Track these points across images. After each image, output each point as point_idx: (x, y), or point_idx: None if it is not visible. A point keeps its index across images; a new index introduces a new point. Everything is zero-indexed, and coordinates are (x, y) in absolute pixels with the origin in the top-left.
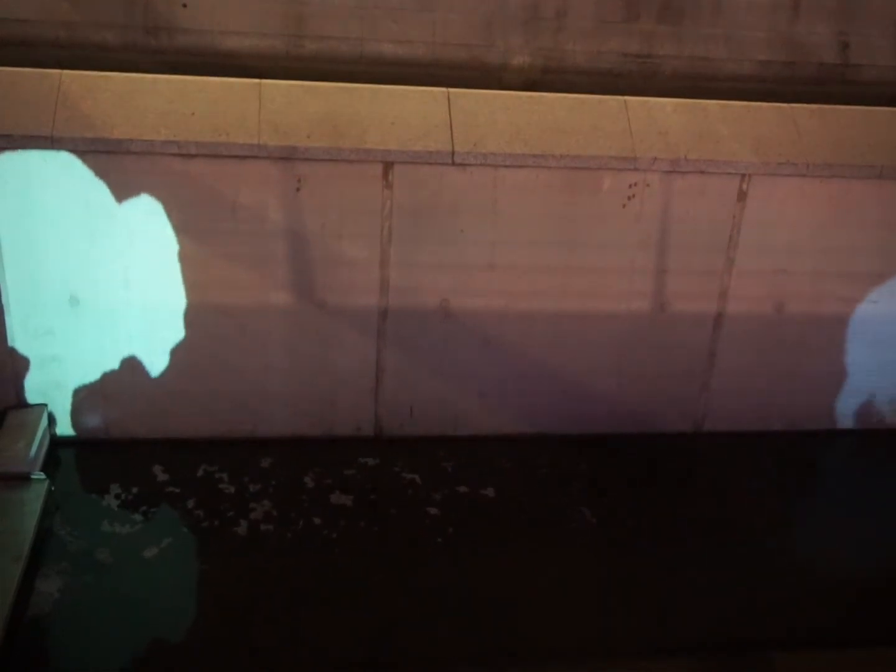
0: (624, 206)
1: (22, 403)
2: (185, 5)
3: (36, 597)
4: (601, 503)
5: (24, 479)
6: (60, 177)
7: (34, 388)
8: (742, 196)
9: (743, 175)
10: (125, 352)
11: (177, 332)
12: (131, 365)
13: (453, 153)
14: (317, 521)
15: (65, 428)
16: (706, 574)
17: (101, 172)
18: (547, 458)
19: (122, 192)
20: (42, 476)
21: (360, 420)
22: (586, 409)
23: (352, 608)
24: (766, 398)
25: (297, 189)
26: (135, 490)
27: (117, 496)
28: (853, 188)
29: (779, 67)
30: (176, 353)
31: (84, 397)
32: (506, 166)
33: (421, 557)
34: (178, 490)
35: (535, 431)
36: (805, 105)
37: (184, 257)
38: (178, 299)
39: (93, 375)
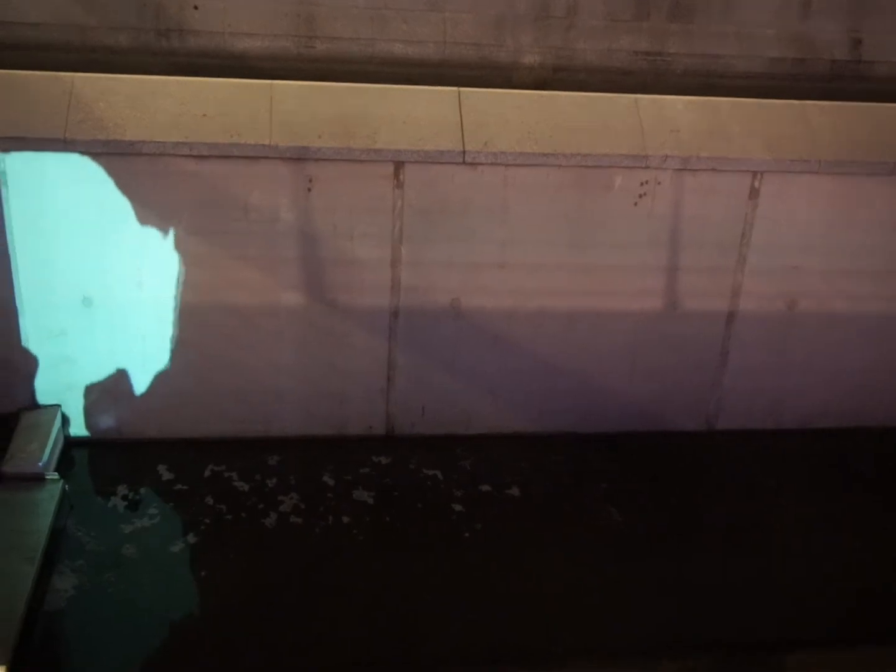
0: (635, 204)
1: (35, 404)
2: (196, 7)
3: (51, 594)
4: (627, 502)
5: (38, 479)
6: (73, 179)
7: (48, 388)
8: (754, 194)
9: (755, 172)
10: (138, 352)
11: (189, 333)
12: (144, 365)
13: (464, 152)
14: (343, 518)
15: (78, 428)
16: (733, 573)
17: (113, 174)
18: (564, 457)
19: (134, 193)
20: (56, 476)
21: (371, 419)
22: (598, 407)
23: (376, 603)
24: (779, 396)
25: (309, 189)
26: (149, 489)
27: (132, 496)
28: (865, 185)
29: (790, 64)
30: (188, 353)
31: (97, 398)
32: (516, 165)
33: (450, 554)
34: (193, 489)
35: (547, 430)
36: (817, 102)
37: (196, 258)
38: (190, 300)
39: (105, 376)
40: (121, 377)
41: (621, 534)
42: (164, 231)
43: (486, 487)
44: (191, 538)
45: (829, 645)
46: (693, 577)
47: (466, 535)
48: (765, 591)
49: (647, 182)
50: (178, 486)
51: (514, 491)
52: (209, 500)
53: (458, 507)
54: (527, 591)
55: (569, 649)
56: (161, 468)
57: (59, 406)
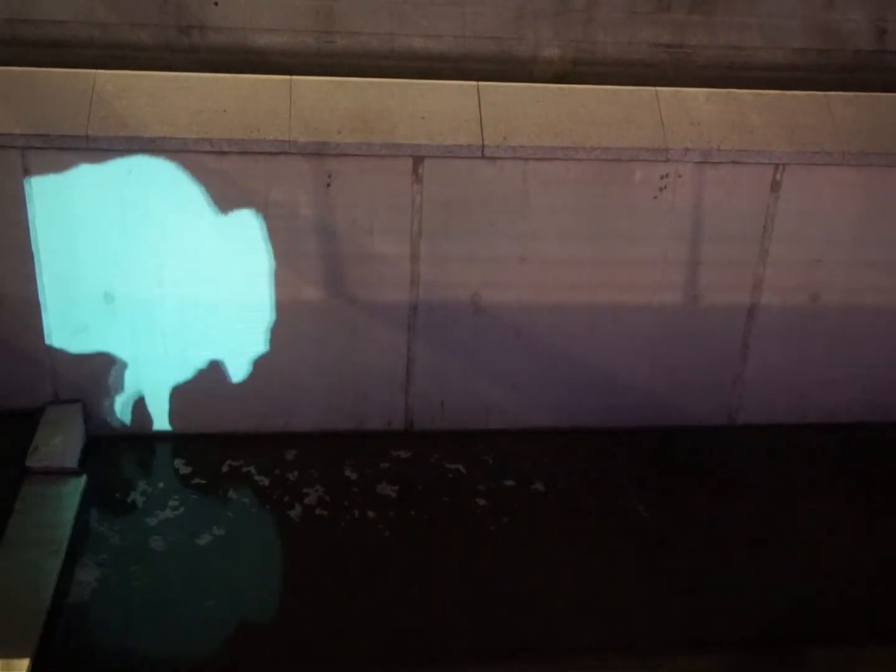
0: (656, 197)
1: (59, 399)
2: (216, 3)
3: (75, 586)
4: (652, 497)
5: (61, 473)
6: (95, 175)
7: (71, 384)
8: (776, 186)
9: (777, 165)
10: (159, 348)
11: (209, 328)
12: (164, 361)
13: (483, 147)
14: (368, 512)
15: (101, 423)
16: (754, 570)
17: (135, 170)
18: (586, 452)
19: (155, 189)
20: (79, 471)
21: (390, 414)
22: (618, 402)
23: (401, 597)
24: (802, 390)
25: (328, 185)
26: (170, 483)
27: (154, 490)
28: (890, 176)
29: (814, 55)
30: (209, 348)
31: (118, 393)
32: (536, 159)
33: (476, 548)
34: (217, 483)
35: (567, 425)
36: (840, 93)
37: (216, 254)
38: (210, 295)
39: (127, 371)
40: (142, 373)
41: (648, 529)
42: (185, 227)
43: (509, 482)
44: (214, 531)
45: (843, 644)
46: (715, 573)
47: (492, 528)
48: (786, 588)
49: (667, 175)
50: (199, 481)
51: (539, 486)
52: (232, 494)
53: (482, 502)
54: (553, 586)
55: (594, 644)
56: (182, 463)
57: (81, 401)
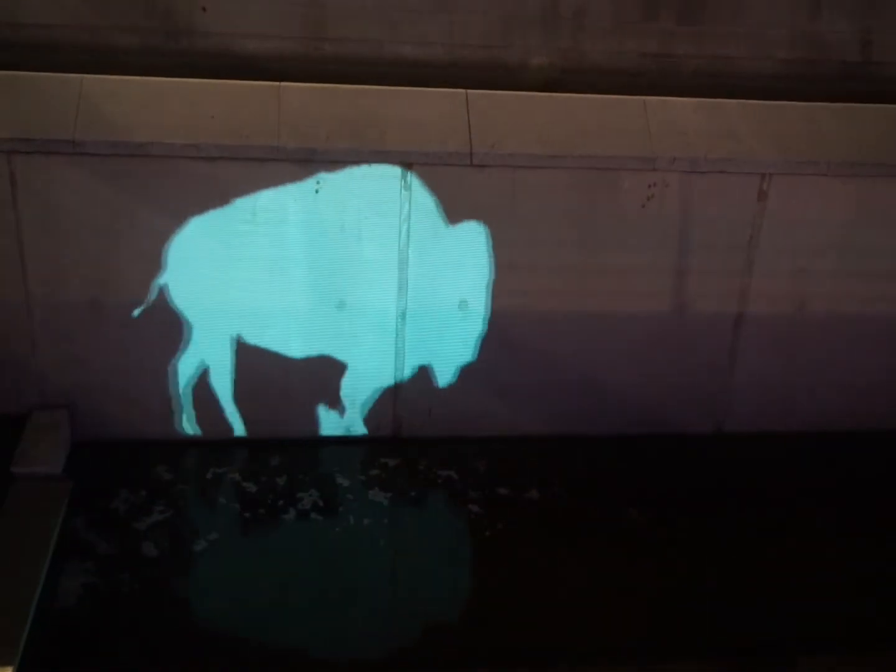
0: (643, 206)
1: (45, 405)
2: (204, 9)
3: (61, 592)
4: (646, 505)
5: (47, 479)
6: (82, 180)
7: (56, 389)
8: (763, 196)
9: (763, 174)
10: (146, 354)
11: (197, 334)
12: (152, 367)
13: (472, 154)
14: (362, 519)
15: (86, 429)
16: (744, 577)
17: (122, 175)
18: (577, 459)
19: (143, 194)
20: (65, 476)
21: (378, 420)
22: (606, 410)
23: (397, 604)
24: (788, 399)
25: (317, 191)
26: (156, 489)
27: (137, 496)
28: (875, 187)
29: (800, 66)
30: (196, 354)
31: (105, 399)
32: (524, 167)
33: (473, 556)
34: (203, 488)
35: (556, 432)
36: (827, 104)
37: (204, 259)
38: (198, 301)
39: (114, 377)
40: (129, 378)
41: (642, 536)
42: (173, 233)
43: (503, 490)
44: (208, 537)
45: (837, 651)
46: (707, 580)
47: (487, 534)
48: (776, 595)
49: (655, 184)
50: (183, 487)
51: (533, 493)
52: (220, 500)
53: (475, 509)
54: (549, 593)
55: (589, 652)
56: (165, 469)
57: (67, 407)
